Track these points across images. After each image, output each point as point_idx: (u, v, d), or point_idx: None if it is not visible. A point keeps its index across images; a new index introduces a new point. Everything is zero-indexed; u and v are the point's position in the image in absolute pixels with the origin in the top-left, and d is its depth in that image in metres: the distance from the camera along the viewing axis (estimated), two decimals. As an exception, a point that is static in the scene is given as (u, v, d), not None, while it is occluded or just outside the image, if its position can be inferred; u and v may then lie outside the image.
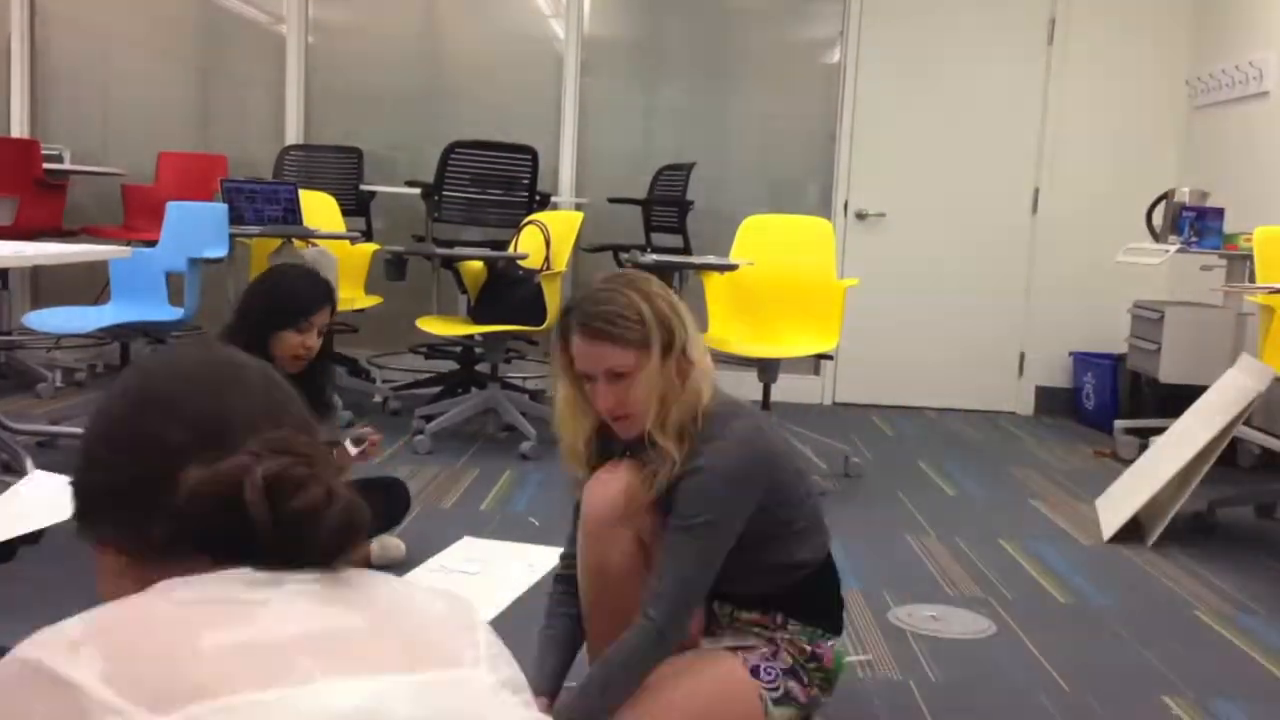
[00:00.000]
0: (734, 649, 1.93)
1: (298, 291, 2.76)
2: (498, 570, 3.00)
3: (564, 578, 2.03)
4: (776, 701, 1.88)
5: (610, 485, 1.89)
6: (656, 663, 1.80)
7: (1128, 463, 4.17)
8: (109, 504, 0.86)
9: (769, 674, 1.90)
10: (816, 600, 1.98)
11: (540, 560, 3.05)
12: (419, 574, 2.90)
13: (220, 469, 0.79)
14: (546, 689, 1.89)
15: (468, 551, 3.15)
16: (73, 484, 0.88)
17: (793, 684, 1.91)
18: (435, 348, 5.61)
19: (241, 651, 0.72)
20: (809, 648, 1.94)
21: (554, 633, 1.99)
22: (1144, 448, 4.12)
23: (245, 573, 0.78)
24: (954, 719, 2.25)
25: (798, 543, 1.93)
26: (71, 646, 0.70)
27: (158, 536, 0.81)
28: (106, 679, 0.68)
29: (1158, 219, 4.93)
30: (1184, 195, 4.81)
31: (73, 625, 0.73)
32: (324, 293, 2.79)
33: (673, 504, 1.82)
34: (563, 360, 1.86)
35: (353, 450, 2.70)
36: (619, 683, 1.79)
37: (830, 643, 1.97)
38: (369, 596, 0.81)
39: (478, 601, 2.79)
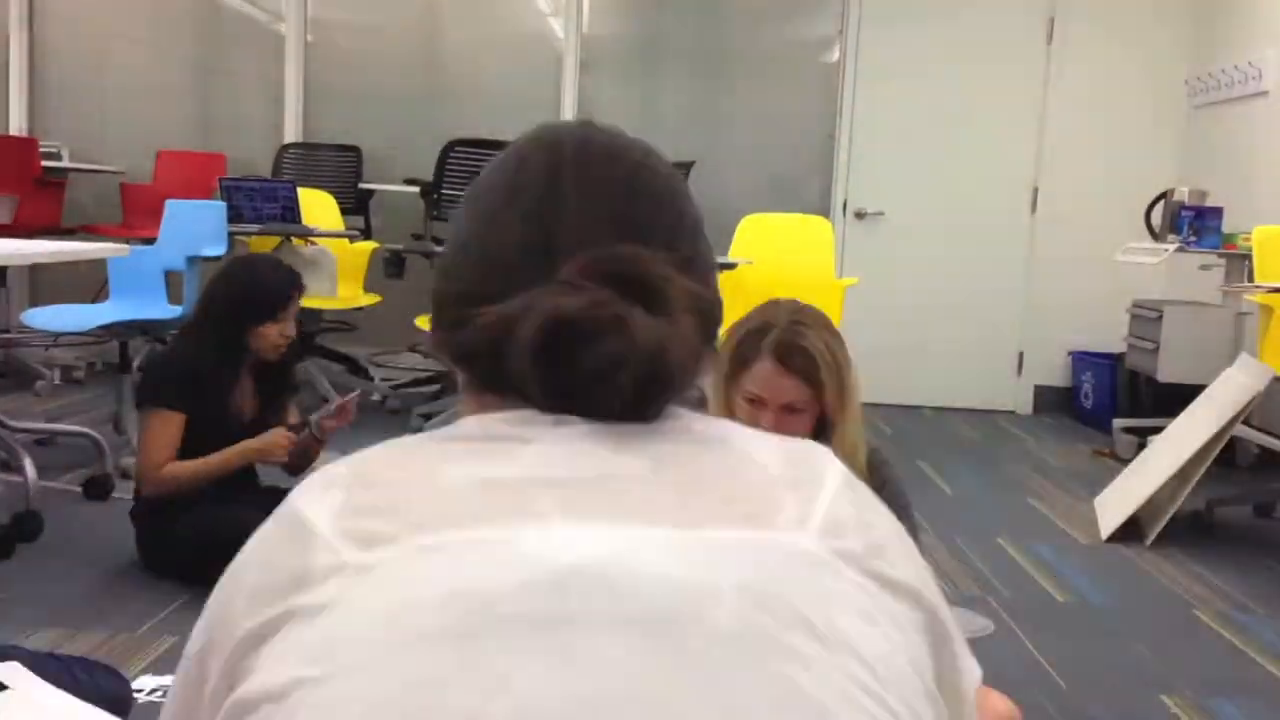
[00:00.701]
0: None
1: (268, 284, 2.76)
2: None
3: None
4: None
5: None
6: None
7: (1126, 462, 4.17)
8: (442, 316, 0.77)
9: None
10: None
11: None
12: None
13: (503, 308, 0.68)
14: None
15: None
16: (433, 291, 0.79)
17: None
18: (434, 346, 5.60)
19: (478, 487, 0.64)
20: None
21: None
22: (1142, 447, 4.12)
23: (528, 414, 0.69)
24: None
25: None
26: (326, 485, 0.66)
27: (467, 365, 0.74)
28: (335, 515, 0.63)
29: (1156, 218, 4.93)
30: (1183, 194, 4.81)
31: (339, 463, 0.69)
32: (293, 278, 2.80)
33: None
34: (732, 372, 1.85)
35: (331, 420, 2.76)
36: None
37: None
38: (672, 445, 0.69)
39: None
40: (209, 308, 2.76)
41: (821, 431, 1.84)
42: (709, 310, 0.73)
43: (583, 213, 0.74)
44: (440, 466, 0.65)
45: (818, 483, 0.69)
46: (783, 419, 1.81)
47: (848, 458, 1.77)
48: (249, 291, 2.73)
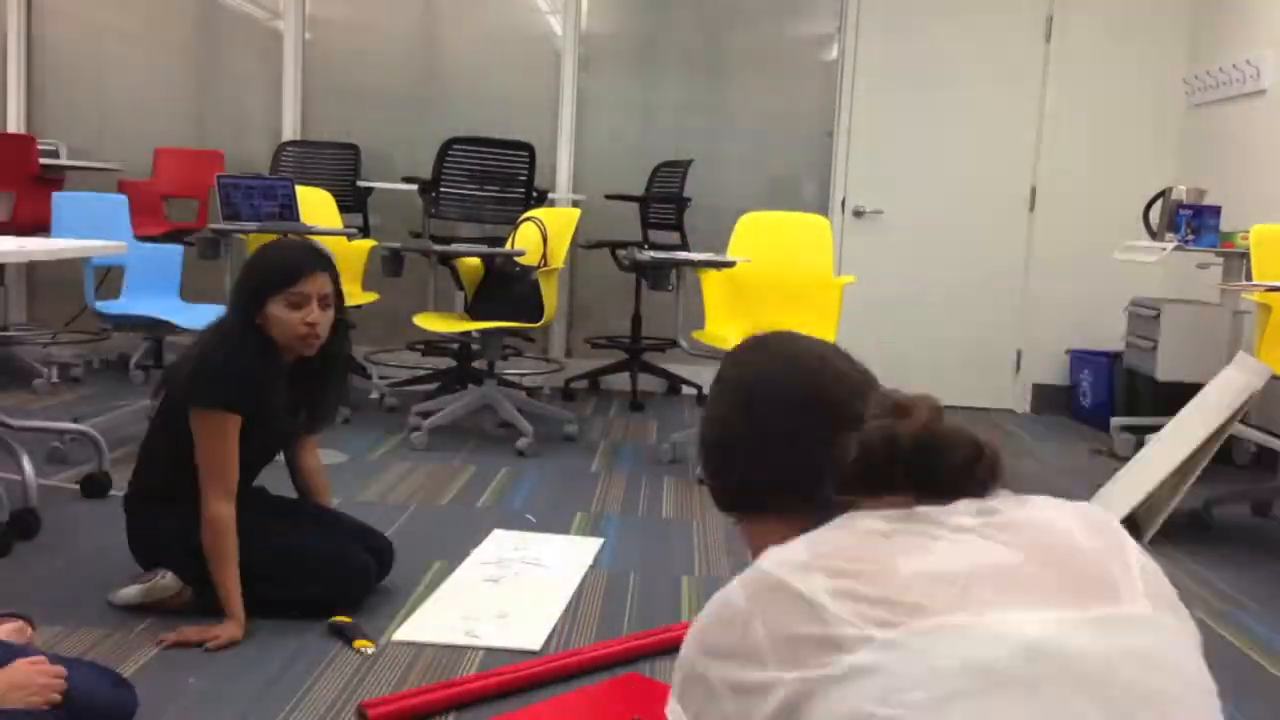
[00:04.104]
0: None
1: (282, 259, 2.51)
2: (553, 561, 3.06)
3: None
4: None
5: None
6: None
7: (1124, 460, 4.17)
8: (779, 480, 1.07)
9: None
10: None
11: (581, 549, 3.13)
12: (464, 571, 2.90)
13: (884, 424, 0.99)
14: None
15: (514, 545, 3.18)
16: (731, 485, 1.13)
17: None
18: (432, 344, 5.61)
19: (934, 579, 0.85)
20: None
21: None
22: (1140, 445, 4.12)
23: (907, 511, 0.93)
24: None
25: None
26: (804, 567, 0.88)
27: (827, 490, 0.99)
28: (832, 596, 0.85)
29: (1155, 217, 4.93)
30: (1181, 193, 4.82)
31: (798, 549, 0.91)
32: (314, 258, 2.51)
33: None
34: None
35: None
36: None
37: None
38: (1020, 530, 0.91)
39: (552, 596, 2.73)
40: (232, 295, 2.53)
41: None
42: None
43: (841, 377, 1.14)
44: (894, 560, 0.88)
45: (1122, 547, 0.93)
46: None
47: None
48: (259, 267, 2.50)
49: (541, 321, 4.41)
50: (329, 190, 5.26)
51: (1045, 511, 0.94)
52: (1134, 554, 0.92)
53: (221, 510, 2.40)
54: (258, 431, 2.49)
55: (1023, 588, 0.85)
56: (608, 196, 5.69)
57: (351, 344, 2.79)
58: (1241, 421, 3.82)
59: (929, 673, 0.80)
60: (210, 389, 2.41)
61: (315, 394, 2.65)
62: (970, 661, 0.81)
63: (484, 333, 4.54)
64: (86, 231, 3.97)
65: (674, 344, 4.60)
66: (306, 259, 2.50)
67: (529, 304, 4.40)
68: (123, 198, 4.25)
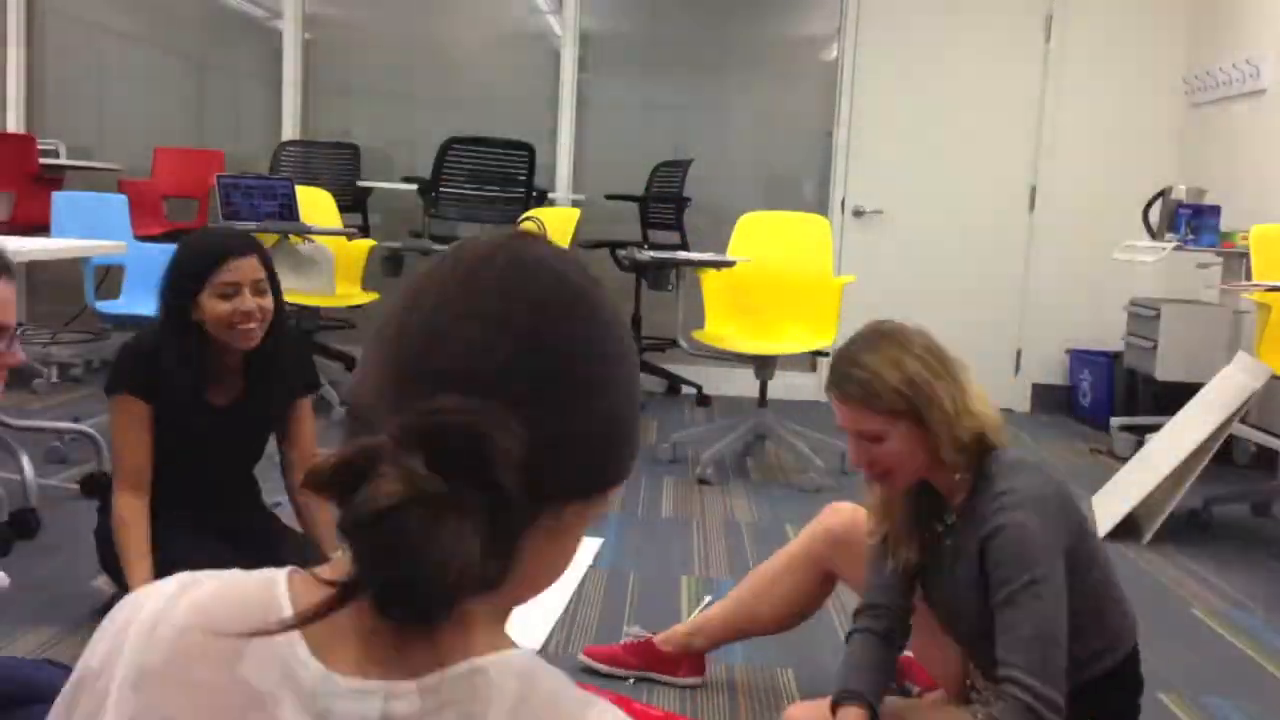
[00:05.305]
0: None
1: (205, 244, 2.37)
2: None
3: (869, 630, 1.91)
4: None
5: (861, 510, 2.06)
6: None
7: (1124, 460, 4.17)
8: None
9: None
10: (1109, 703, 1.77)
11: (581, 549, 3.10)
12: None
13: None
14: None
15: None
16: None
17: None
18: (432, 344, 5.59)
19: None
20: None
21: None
22: (1140, 445, 4.12)
23: None
24: None
25: (1088, 626, 1.74)
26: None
27: None
28: None
29: (1154, 216, 4.93)
30: (1180, 193, 4.82)
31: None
32: (240, 241, 2.36)
33: (988, 581, 1.70)
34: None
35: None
36: None
37: None
38: None
39: (552, 595, 2.74)
40: (159, 287, 2.39)
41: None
42: None
43: None
44: None
45: None
46: (864, 445, 1.78)
47: (951, 463, 1.76)
48: (179, 258, 2.37)
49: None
50: (329, 190, 5.26)
51: None
52: None
53: (122, 503, 2.31)
54: (173, 423, 2.36)
55: None
56: (607, 196, 5.69)
57: (291, 325, 2.57)
58: (1241, 421, 3.82)
59: None
60: (114, 374, 2.36)
61: (273, 380, 2.47)
62: None
63: (484, 332, 4.53)
64: (86, 231, 3.96)
65: (674, 344, 4.60)
66: (233, 242, 2.35)
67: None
68: (122, 197, 4.25)
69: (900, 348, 1.76)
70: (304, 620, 0.61)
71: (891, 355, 1.75)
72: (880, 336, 1.79)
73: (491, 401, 0.62)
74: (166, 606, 0.69)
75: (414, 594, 0.60)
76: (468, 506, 0.59)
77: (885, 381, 1.73)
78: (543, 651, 2.42)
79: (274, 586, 0.67)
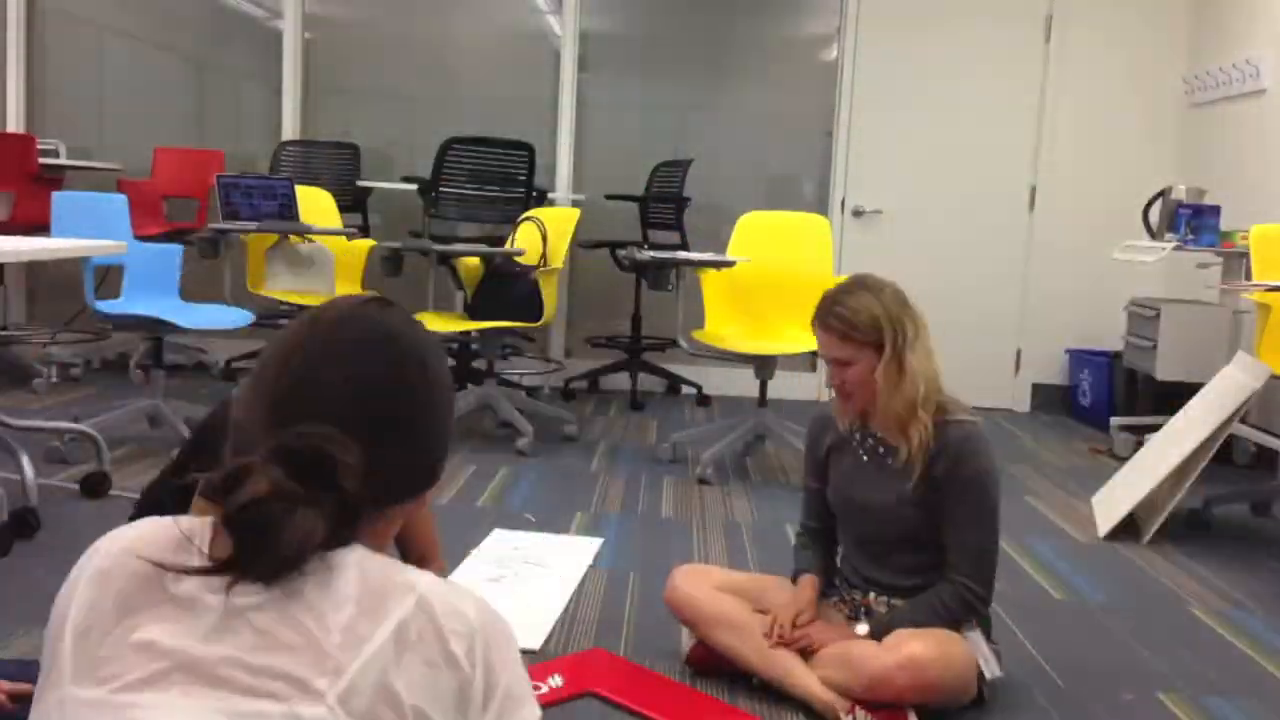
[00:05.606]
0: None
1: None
2: (553, 561, 3.06)
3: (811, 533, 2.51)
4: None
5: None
6: (959, 619, 2.21)
7: (1124, 460, 4.17)
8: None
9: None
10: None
11: (582, 549, 3.14)
12: (464, 571, 2.89)
13: None
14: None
15: (514, 545, 3.18)
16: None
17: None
18: (432, 344, 5.59)
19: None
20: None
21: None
22: (1140, 445, 4.13)
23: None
24: (950, 713, 2.25)
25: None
26: None
27: None
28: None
29: (1154, 216, 4.93)
30: (1180, 193, 4.82)
31: None
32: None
33: (938, 495, 2.22)
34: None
35: None
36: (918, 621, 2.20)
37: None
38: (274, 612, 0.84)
39: (552, 595, 2.74)
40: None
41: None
42: None
43: None
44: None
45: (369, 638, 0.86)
46: (839, 370, 2.25)
47: (906, 398, 2.20)
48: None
49: (541, 321, 4.41)
50: (329, 190, 5.26)
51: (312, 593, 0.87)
52: (372, 645, 0.83)
53: None
54: None
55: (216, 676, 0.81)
56: (607, 196, 5.69)
57: None
58: (1241, 421, 3.82)
59: None
60: None
61: None
62: None
63: (483, 332, 4.54)
64: (86, 231, 3.96)
65: (674, 344, 4.60)
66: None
67: (528, 304, 4.40)
68: (122, 197, 4.25)
69: (873, 294, 2.26)
70: (203, 571, 0.83)
71: (866, 299, 2.24)
72: (859, 285, 2.30)
73: (341, 431, 0.87)
74: (117, 535, 0.90)
75: (271, 559, 0.82)
76: (320, 503, 0.84)
77: (860, 317, 2.22)
78: (543, 651, 2.42)
79: (203, 529, 0.88)
